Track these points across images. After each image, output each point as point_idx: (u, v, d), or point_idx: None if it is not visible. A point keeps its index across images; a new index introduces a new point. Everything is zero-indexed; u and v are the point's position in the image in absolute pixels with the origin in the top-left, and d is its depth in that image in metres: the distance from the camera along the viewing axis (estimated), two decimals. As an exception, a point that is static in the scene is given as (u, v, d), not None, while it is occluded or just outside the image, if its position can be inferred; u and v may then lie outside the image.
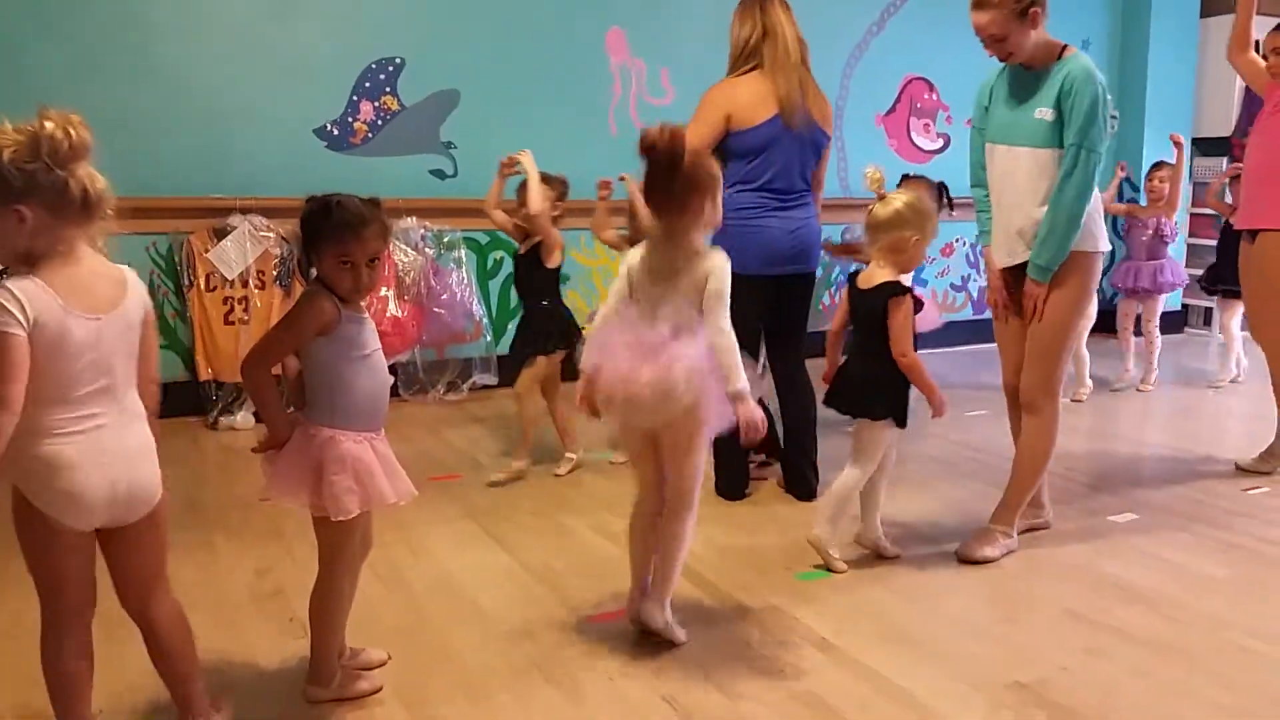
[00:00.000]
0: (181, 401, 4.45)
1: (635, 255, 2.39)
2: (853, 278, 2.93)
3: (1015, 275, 2.97)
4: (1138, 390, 5.44)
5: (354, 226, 1.96)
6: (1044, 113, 2.82)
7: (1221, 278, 5.40)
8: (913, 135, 6.57)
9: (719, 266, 2.30)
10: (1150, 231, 5.36)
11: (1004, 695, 2.18)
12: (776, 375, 3.50)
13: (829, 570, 2.85)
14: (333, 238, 1.96)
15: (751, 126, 3.30)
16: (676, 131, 2.26)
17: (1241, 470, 3.93)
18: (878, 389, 2.80)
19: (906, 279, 2.85)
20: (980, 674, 2.27)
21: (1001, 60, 2.88)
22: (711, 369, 2.27)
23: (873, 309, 2.77)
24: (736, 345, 2.29)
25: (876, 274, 2.80)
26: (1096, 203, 2.89)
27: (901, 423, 2.82)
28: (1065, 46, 2.86)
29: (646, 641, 2.41)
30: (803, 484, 3.51)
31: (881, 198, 2.80)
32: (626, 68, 5.60)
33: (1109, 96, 2.82)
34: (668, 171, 2.27)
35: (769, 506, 3.45)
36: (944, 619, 2.58)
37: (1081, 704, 2.14)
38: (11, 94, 4.13)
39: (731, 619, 2.56)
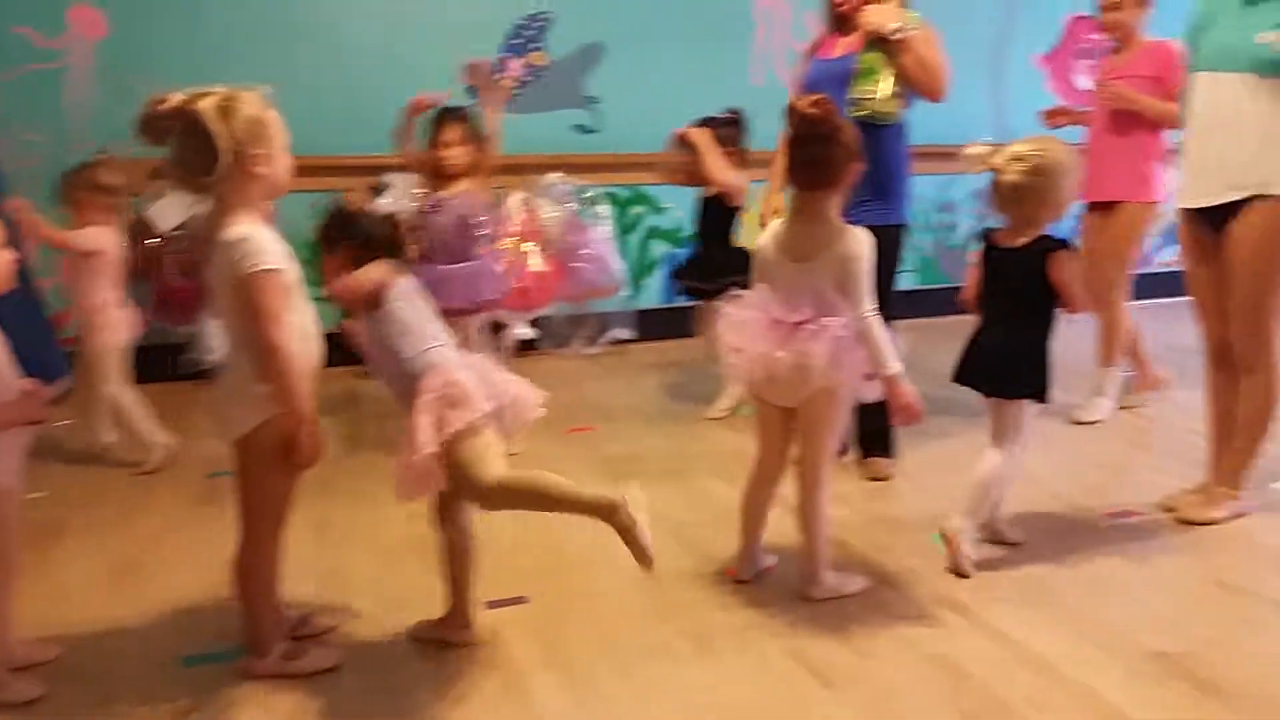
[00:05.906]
0: (335, 350, 4.67)
1: (767, 234, 2.39)
2: (987, 237, 2.59)
3: (1209, 218, 2.76)
4: None
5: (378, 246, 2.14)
6: (1267, 36, 2.53)
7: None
8: (1075, 77, 6.23)
9: (861, 246, 2.27)
10: None
11: (1143, 664, 2.12)
12: None
13: (957, 574, 2.56)
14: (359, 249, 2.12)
15: None
16: (828, 102, 2.27)
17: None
18: (1019, 364, 2.53)
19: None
20: (1120, 642, 2.22)
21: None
22: (854, 344, 2.26)
23: (1025, 270, 2.46)
24: (883, 327, 2.27)
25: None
26: None
27: (1045, 398, 2.53)
28: None
29: (778, 598, 2.45)
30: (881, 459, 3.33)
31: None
32: (769, 12, 5.51)
33: None
34: (823, 143, 2.25)
35: (908, 471, 3.37)
36: (1086, 584, 2.51)
37: (1226, 678, 2.06)
38: (189, 55, 4.46)
39: (867, 579, 2.54)
